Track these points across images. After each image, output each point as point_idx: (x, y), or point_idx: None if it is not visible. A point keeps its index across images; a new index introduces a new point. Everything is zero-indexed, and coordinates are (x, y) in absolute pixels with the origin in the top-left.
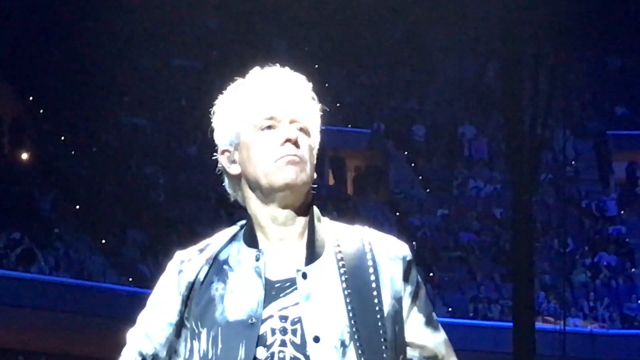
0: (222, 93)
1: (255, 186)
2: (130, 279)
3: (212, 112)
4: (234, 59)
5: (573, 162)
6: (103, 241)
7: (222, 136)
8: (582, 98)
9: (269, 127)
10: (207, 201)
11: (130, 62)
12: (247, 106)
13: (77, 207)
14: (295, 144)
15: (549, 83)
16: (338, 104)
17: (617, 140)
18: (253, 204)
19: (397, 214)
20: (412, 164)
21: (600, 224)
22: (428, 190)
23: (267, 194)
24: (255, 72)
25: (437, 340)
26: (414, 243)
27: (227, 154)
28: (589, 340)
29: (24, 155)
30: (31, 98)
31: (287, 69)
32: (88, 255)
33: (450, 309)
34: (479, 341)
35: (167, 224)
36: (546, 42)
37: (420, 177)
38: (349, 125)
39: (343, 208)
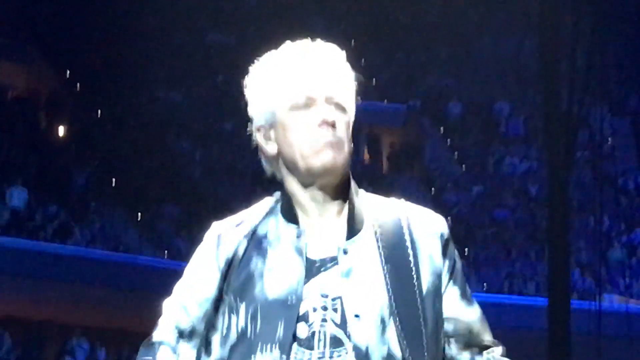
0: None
1: (292, 167)
2: (166, 253)
3: (245, 85)
4: (270, 35)
5: (610, 140)
6: (139, 215)
7: (256, 112)
8: (620, 75)
9: (306, 106)
10: (242, 176)
11: (166, 38)
12: (282, 84)
13: (113, 181)
14: (333, 125)
15: (587, 60)
16: (374, 81)
17: None
18: (291, 184)
19: (433, 190)
20: (448, 141)
21: (636, 202)
22: (464, 167)
23: (305, 176)
24: (288, 46)
25: (471, 314)
26: (449, 219)
27: (262, 130)
28: (625, 318)
29: (61, 130)
30: (68, 73)
31: (319, 41)
32: (124, 229)
33: (485, 285)
34: (514, 318)
35: (203, 199)
36: (584, 19)
37: (455, 154)
38: (385, 102)
39: (378, 185)
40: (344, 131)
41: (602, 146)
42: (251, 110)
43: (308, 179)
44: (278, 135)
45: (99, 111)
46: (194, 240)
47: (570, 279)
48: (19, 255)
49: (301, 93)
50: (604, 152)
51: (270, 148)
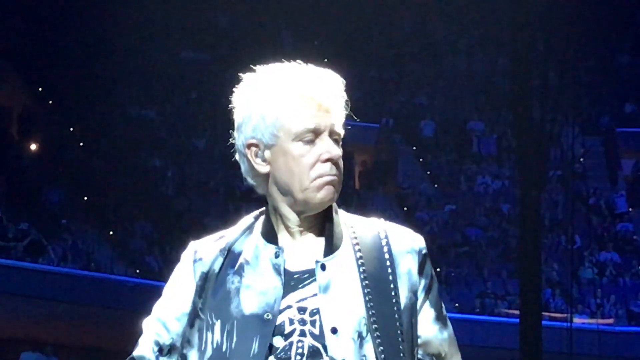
0: (235, 85)
1: (287, 193)
2: (138, 271)
3: (241, 94)
4: (243, 53)
5: (581, 159)
6: (111, 233)
7: (253, 129)
8: (591, 95)
9: (311, 140)
10: (215, 194)
11: (139, 55)
12: (290, 110)
13: (86, 198)
14: (336, 163)
15: (559, 79)
16: (347, 99)
17: (625, 137)
18: (279, 204)
19: (405, 209)
20: (421, 159)
21: (608, 221)
22: (436, 185)
23: (297, 205)
24: (298, 69)
25: (443, 337)
26: None
27: (254, 148)
28: (596, 337)
29: (33, 146)
30: (40, 89)
31: (330, 71)
32: (96, 246)
33: (457, 305)
34: (486, 337)
35: (175, 216)
36: (556, 38)
37: (428, 173)
38: (358, 120)
39: (350, 202)
40: (342, 166)
41: (573, 165)
42: (246, 124)
43: (300, 207)
44: (276, 159)
45: (72, 128)
46: (166, 257)
47: (541, 297)
48: None
49: (310, 124)
50: (576, 171)
51: (261, 168)
